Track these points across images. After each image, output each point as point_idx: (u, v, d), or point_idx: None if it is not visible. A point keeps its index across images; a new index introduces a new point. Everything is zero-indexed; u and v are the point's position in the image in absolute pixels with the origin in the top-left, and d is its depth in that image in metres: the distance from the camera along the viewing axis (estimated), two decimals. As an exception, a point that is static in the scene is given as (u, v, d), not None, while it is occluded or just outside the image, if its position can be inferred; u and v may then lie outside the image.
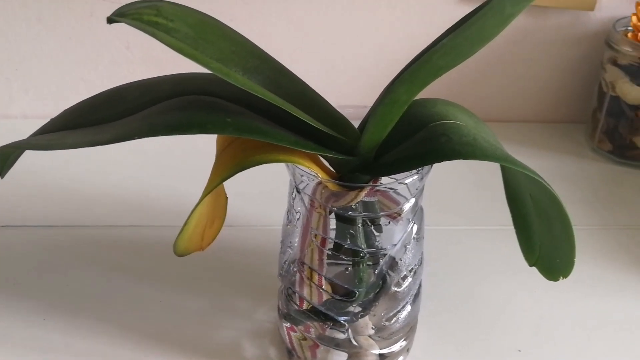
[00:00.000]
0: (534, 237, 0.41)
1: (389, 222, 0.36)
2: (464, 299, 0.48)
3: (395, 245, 0.36)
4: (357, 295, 0.37)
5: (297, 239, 0.38)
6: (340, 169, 0.36)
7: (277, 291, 0.42)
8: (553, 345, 0.45)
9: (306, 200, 0.36)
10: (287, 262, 0.40)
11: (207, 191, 0.33)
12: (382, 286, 0.37)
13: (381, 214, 0.36)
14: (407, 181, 0.35)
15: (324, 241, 0.36)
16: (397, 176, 0.35)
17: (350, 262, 0.37)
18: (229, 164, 0.34)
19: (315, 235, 0.36)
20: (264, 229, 0.54)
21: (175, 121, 0.32)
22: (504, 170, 0.41)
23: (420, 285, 0.41)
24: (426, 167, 0.35)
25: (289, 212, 0.39)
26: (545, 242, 0.41)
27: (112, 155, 0.64)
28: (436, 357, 0.44)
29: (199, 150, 0.58)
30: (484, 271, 0.51)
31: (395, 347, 0.41)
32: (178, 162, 0.63)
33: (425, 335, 0.45)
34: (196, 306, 0.47)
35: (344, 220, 0.36)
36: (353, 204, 0.34)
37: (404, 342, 0.41)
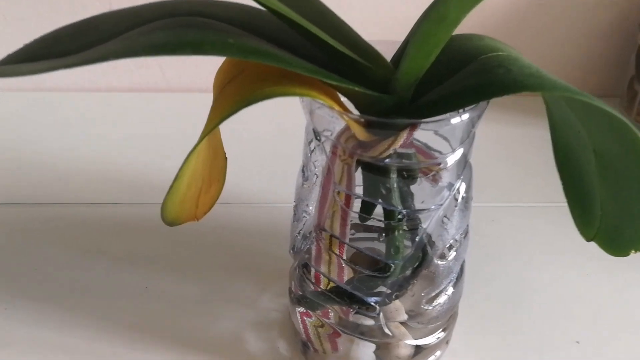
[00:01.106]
0: (593, 205, 0.34)
1: (433, 175, 0.29)
2: (508, 286, 0.41)
3: (442, 204, 0.29)
4: (392, 270, 0.29)
5: (314, 204, 0.31)
6: (368, 111, 0.29)
7: (289, 271, 0.34)
8: (615, 336, 0.38)
9: (328, 149, 0.29)
10: (301, 233, 0.32)
11: (205, 134, 0.26)
12: (422, 259, 0.30)
13: (422, 164, 0.28)
14: (453, 121, 0.27)
15: (348, 200, 0.29)
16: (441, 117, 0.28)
17: (383, 229, 0.30)
18: (232, 98, 0.26)
19: (339, 192, 0.29)
20: (266, 207, 0.47)
21: (162, 40, 0.25)
22: (554, 127, 0.34)
23: (463, 263, 0.34)
24: (478, 108, 0.28)
25: (304, 168, 0.31)
26: (610, 209, 0.33)
27: (89, 128, 0.56)
28: (480, 350, 0.37)
29: (186, 122, 0.51)
30: (528, 253, 0.44)
31: (432, 339, 0.34)
32: (163, 136, 0.56)
33: (465, 325, 0.37)
34: (189, 293, 0.39)
35: (376, 170, 0.28)
36: (388, 152, 0.27)
37: (442, 332, 0.34)
